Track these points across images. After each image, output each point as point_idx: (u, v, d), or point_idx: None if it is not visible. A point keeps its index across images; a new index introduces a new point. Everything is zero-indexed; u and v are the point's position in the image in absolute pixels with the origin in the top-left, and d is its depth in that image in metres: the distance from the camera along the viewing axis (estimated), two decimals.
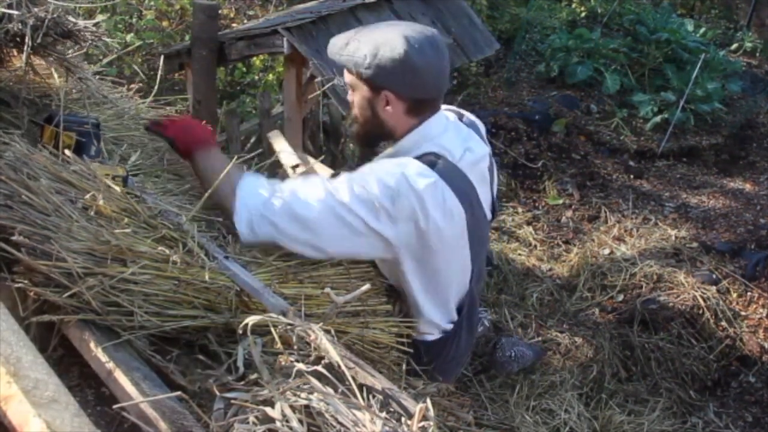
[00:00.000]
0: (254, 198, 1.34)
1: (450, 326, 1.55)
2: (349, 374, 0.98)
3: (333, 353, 0.99)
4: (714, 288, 3.61)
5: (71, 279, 1.04)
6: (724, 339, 3.37)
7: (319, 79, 2.87)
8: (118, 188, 1.24)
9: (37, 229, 1.07)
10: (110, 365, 0.99)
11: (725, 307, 3.50)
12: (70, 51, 1.48)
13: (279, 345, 1.06)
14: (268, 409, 0.89)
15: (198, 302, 1.15)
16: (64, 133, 1.33)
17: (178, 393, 0.95)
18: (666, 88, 6.09)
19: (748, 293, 3.66)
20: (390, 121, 1.42)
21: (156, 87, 1.81)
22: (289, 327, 1.06)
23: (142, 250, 1.13)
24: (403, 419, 0.95)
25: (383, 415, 0.93)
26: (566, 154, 5.24)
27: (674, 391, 3.20)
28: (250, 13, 5.86)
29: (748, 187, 5.18)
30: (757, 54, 7.58)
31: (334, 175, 1.49)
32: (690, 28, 6.99)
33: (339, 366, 0.99)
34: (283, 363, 1.02)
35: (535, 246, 4.25)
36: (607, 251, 4.11)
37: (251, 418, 0.89)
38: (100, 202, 1.15)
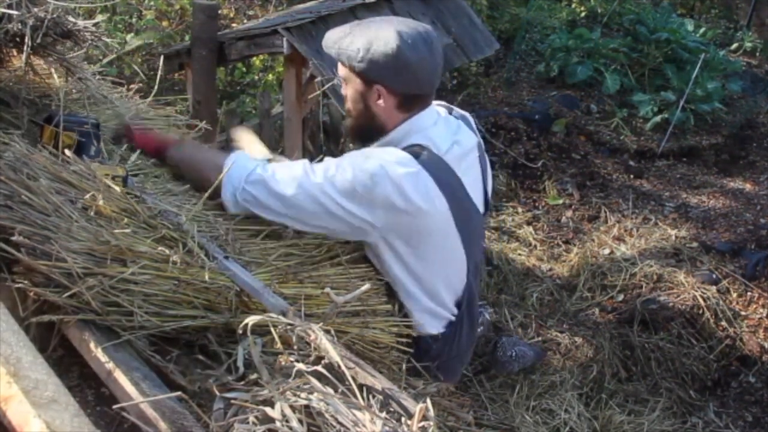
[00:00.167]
0: (239, 171, 1.38)
1: (449, 320, 1.55)
2: (349, 374, 0.98)
3: (333, 353, 0.99)
4: (714, 288, 3.61)
5: (71, 279, 1.04)
6: (724, 339, 3.37)
7: (319, 79, 2.87)
8: (117, 188, 1.24)
9: (37, 230, 1.07)
10: (110, 365, 0.99)
11: (725, 307, 3.50)
12: (70, 51, 1.48)
13: (279, 345, 1.06)
14: (268, 409, 0.89)
15: (198, 302, 1.15)
16: (64, 133, 1.33)
17: (178, 393, 0.95)
18: (666, 88, 6.09)
19: (748, 293, 3.66)
20: (381, 115, 1.44)
21: (156, 87, 1.81)
22: (289, 327, 1.06)
23: (142, 250, 1.13)
24: (403, 419, 0.95)
25: (383, 415, 0.93)
26: (566, 154, 5.24)
27: (674, 391, 3.20)
28: (250, 13, 5.86)
29: (748, 187, 5.18)
30: (757, 54, 7.58)
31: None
32: (690, 28, 6.99)
33: (339, 366, 0.99)
34: (283, 363, 1.02)
35: (535, 246, 4.25)
36: (607, 251, 4.11)
37: (251, 418, 0.89)
38: (100, 203, 1.15)
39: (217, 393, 0.97)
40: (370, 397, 0.99)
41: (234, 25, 5.38)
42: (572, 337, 3.38)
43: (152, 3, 5.21)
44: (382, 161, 1.33)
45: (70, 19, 1.35)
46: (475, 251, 1.54)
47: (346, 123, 1.54)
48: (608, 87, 6.06)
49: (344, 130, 1.57)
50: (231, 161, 1.41)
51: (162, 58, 3.21)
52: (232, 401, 0.95)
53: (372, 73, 1.38)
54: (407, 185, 1.32)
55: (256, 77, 5.31)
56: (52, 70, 1.54)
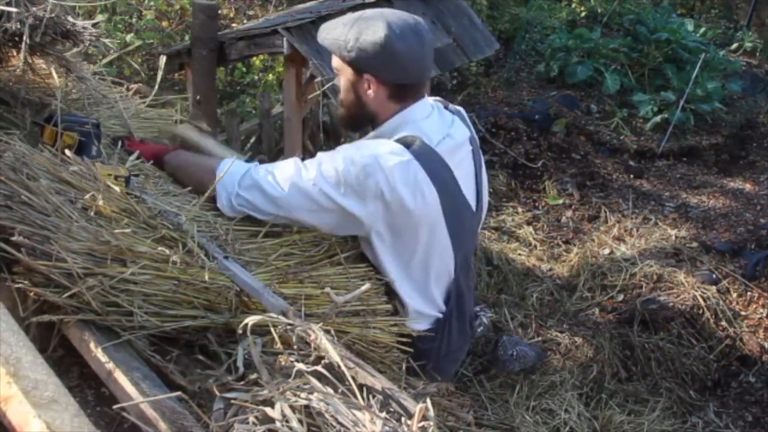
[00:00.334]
0: (232, 176, 1.41)
1: (437, 316, 1.55)
2: (349, 374, 0.98)
3: (333, 353, 0.99)
4: (714, 288, 3.61)
5: (71, 279, 1.04)
6: (724, 339, 3.37)
7: (319, 79, 2.87)
8: (118, 188, 1.24)
9: (36, 230, 1.07)
10: (110, 365, 0.99)
11: (725, 307, 3.49)
12: (69, 51, 1.48)
13: (279, 345, 1.06)
14: (268, 409, 0.89)
15: (198, 302, 1.15)
16: (65, 133, 1.33)
17: (178, 393, 0.95)
18: (666, 88, 6.09)
19: (748, 293, 3.66)
20: (372, 104, 1.45)
21: (156, 87, 1.81)
22: (289, 327, 1.06)
23: (141, 251, 1.13)
24: (403, 419, 0.95)
25: (383, 415, 0.93)
26: (566, 154, 5.24)
27: (674, 391, 3.20)
28: (250, 13, 5.86)
29: (748, 187, 5.18)
30: (757, 54, 7.58)
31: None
32: (690, 27, 6.99)
33: (339, 366, 0.99)
34: (283, 363, 1.02)
35: (535, 246, 4.25)
36: (607, 251, 4.11)
37: (251, 418, 0.89)
38: (100, 203, 1.15)
39: (217, 393, 0.97)
40: (370, 397, 0.98)
41: (234, 25, 5.38)
42: (572, 337, 3.38)
43: (152, 3, 5.21)
44: (374, 152, 1.35)
45: (69, 18, 1.35)
46: (464, 246, 1.54)
47: (338, 113, 1.57)
48: (608, 87, 6.06)
49: (337, 120, 1.60)
50: (224, 167, 1.43)
51: (162, 58, 3.21)
52: (232, 401, 0.95)
53: (361, 62, 1.40)
54: (398, 175, 1.34)
55: (256, 77, 5.31)
56: (52, 70, 1.54)
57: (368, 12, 1.44)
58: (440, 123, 1.48)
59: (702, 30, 7.19)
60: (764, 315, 3.53)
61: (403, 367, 1.37)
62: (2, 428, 0.79)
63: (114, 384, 0.98)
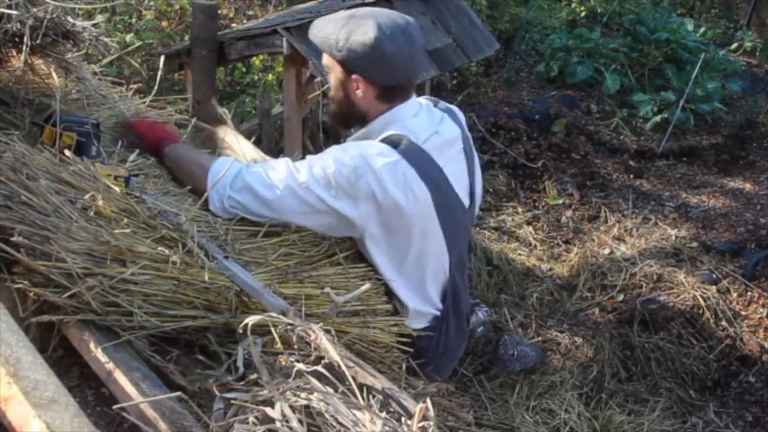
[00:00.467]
0: (224, 179, 1.41)
1: (434, 314, 1.55)
2: (349, 374, 0.98)
3: (333, 353, 0.99)
4: (714, 288, 3.61)
5: (71, 279, 1.04)
6: (724, 339, 3.37)
7: (318, 79, 2.87)
8: (118, 188, 1.24)
9: (36, 230, 1.07)
10: (110, 366, 0.99)
11: (725, 306, 3.49)
12: (69, 52, 1.48)
13: (279, 345, 1.05)
14: (268, 409, 0.89)
15: (198, 302, 1.15)
16: (64, 133, 1.33)
17: (178, 393, 0.95)
18: (666, 88, 6.09)
19: (748, 293, 3.66)
20: (361, 103, 1.46)
21: (156, 87, 1.82)
22: (289, 327, 1.06)
23: (141, 251, 1.13)
24: (403, 419, 0.95)
25: (383, 415, 0.93)
26: (566, 154, 5.24)
27: (674, 391, 3.20)
28: (250, 13, 5.85)
29: (748, 186, 5.18)
30: (757, 53, 7.59)
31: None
32: (690, 27, 6.99)
33: (339, 366, 0.99)
34: (283, 363, 1.02)
35: (535, 246, 4.25)
36: (607, 251, 4.11)
37: (251, 418, 0.89)
38: (100, 203, 1.15)
39: (217, 393, 0.97)
40: (370, 397, 0.98)
41: (234, 25, 5.38)
42: (572, 337, 3.38)
43: (152, 3, 5.21)
44: (363, 154, 1.36)
45: (69, 19, 1.35)
46: (458, 243, 1.54)
47: (329, 109, 1.59)
48: (608, 87, 6.06)
49: (329, 116, 1.63)
50: (217, 169, 1.43)
51: (162, 58, 3.21)
52: (232, 401, 0.94)
53: (350, 62, 1.41)
54: (388, 175, 1.34)
55: (256, 77, 5.31)
56: (52, 71, 1.54)
57: (359, 11, 1.44)
58: (429, 121, 1.49)
59: (702, 30, 7.19)
60: (764, 315, 3.53)
61: (403, 367, 1.37)
62: (2, 428, 0.79)
63: (114, 384, 0.98)
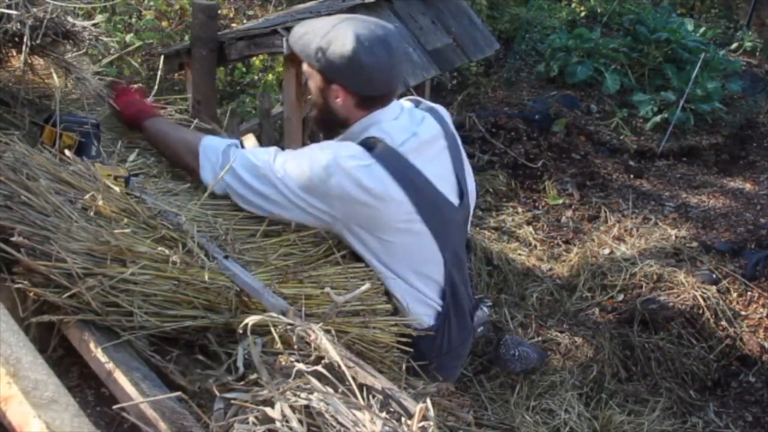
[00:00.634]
0: (215, 152, 1.46)
1: (434, 313, 1.55)
2: (349, 374, 0.98)
3: (333, 353, 0.99)
4: (714, 288, 3.61)
5: (71, 279, 1.04)
6: (724, 339, 3.37)
7: None
8: (118, 188, 1.24)
9: (36, 230, 1.07)
10: (110, 365, 0.99)
11: (725, 306, 3.50)
12: (69, 52, 1.48)
13: (279, 345, 1.05)
14: (268, 409, 0.89)
15: (198, 302, 1.15)
16: (64, 133, 1.33)
17: (178, 393, 0.95)
18: (666, 88, 6.10)
19: (748, 293, 3.66)
20: (341, 111, 1.48)
21: (156, 87, 1.82)
22: (289, 327, 1.06)
23: (141, 251, 1.13)
24: (403, 419, 0.95)
25: (383, 415, 0.93)
26: (566, 154, 5.24)
27: (674, 391, 3.20)
28: (250, 13, 5.86)
29: (748, 186, 5.18)
30: (757, 53, 7.59)
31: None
32: (690, 27, 6.99)
33: (339, 366, 0.99)
34: (283, 363, 1.02)
35: (535, 246, 4.25)
36: (607, 251, 4.11)
37: (251, 419, 0.89)
38: (100, 203, 1.15)
39: (217, 393, 0.97)
40: (370, 397, 0.98)
41: (234, 25, 5.38)
42: (572, 337, 3.38)
43: (152, 3, 5.21)
44: (335, 154, 1.37)
45: (69, 19, 1.35)
46: (452, 242, 1.54)
47: (312, 114, 1.61)
48: (608, 87, 6.07)
49: (311, 120, 1.65)
50: (206, 149, 1.47)
51: (162, 58, 3.21)
52: (232, 401, 0.94)
53: (329, 73, 1.43)
54: (360, 176, 1.35)
55: (256, 77, 5.30)
56: (52, 71, 1.54)
57: (338, 20, 1.45)
58: (409, 123, 1.50)
59: (702, 30, 7.19)
60: (764, 315, 3.53)
61: (403, 367, 1.37)
62: (2, 428, 0.79)
63: (114, 384, 0.98)
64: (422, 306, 1.53)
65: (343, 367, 0.98)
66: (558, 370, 3.18)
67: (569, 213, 4.64)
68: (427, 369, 1.42)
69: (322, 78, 1.46)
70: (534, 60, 6.65)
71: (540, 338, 3.37)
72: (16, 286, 1.04)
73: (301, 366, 0.98)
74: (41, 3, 1.31)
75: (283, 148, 1.49)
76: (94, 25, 1.40)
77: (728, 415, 3.13)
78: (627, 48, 6.46)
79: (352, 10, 3.33)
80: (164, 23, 5.28)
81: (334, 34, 1.40)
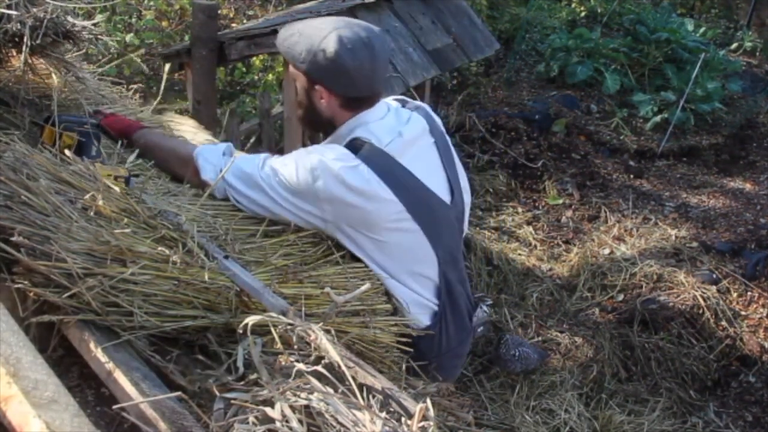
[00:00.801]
0: (216, 157, 1.49)
1: (430, 313, 1.55)
2: (349, 374, 0.98)
3: (333, 353, 0.99)
4: (714, 288, 3.61)
5: (71, 279, 1.04)
6: (724, 339, 3.37)
7: None
8: (118, 188, 1.24)
9: (36, 230, 1.07)
10: (110, 365, 0.99)
11: (725, 306, 3.50)
12: (69, 52, 1.48)
13: (279, 345, 1.05)
14: (268, 409, 0.89)
15: (198, 302, 1.15)
16: (64, 133, 1.33)
17: (178, 393, 0.95)
18: (666, 88, 6.10)
19: (748, 293, 3.66)
20: (326, 112, 1.50)
21: (162, 89, 1.82)
22: (289, 327, 1.06)
23: (141, 251, 1.13)
24: (403, 419, 0.95)
25: (383, 415, 0.93)
26: (566, 154, 5.24)
27: (674, 391, 3.20)
28: (250, 13, 5.86)
29: (748, 186, 5.18)
30: (757, 53, 7.59)
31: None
32: (690, 27, 6.99)
33: (339, 366, 0.99)
34: (283, 363, 1.02)
35: (535, 246, 4.25)
36: (607, 251, 4.11)
37: (251, 419, 0.89)
38: (100, 203, 1.15)
39: (217, 393, 0.97)
40: (370, 397, 0.98)
41: (234, 25, 5.39)
42: (572, 337, 3.38)
43: (152, 3, 5.21)
44: (321, 157, 1.39)
45: (69, 19, 1.35)
46: (445, 240, 1.54)
47: (298, 114, 1.61)
48: (608, 87, 6.07)
49: (298, 120, 1.67)
50: (201, 153, 1.49)
51: (165, 62, 3.21)
52: (232, 401, 0.94)
53: (313, 74, 1.45)
54: (347, 178, 1.37)
55: (256, 77, 5.30)
56: (52, 71, 1.54)
57: (322, 22, 1.46)
58: (395, 122, 1.51)
59: (702, 30, 7.19)
60: (764, 315, 3.53)
61: (403, 367, 1.37)
62: (2, 428, 0.79)
63: (114, 384, 0.98)
64: (418, 306, 1.53)
65: (343, 367, 0.98)
66: (558, 370, 3.18)
67: (569, 213, 4.64)
68: (426, 369, 1.42)
69: (307, 79, 1.47)
70: (534, 60, 6.65)
71: (540, 338, 3.38)
72: (16, 286, 1.04)
73: (301, 366, 0.98)
74: (41, 3, 1.31)
75: (282, 149, 1.49)
76: (94, 25, 1.40)
77: (728, 415, 3.13)
78: (627, 48, 6.46)
79: (352, 10, 3.33)
80: (164, 23, 5.29)
81: (318, 36, 1.42)
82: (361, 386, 0.99)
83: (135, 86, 1.90)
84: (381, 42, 1.46)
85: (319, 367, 0.98)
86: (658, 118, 5.77)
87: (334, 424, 0.89)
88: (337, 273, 1.39)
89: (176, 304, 1.13)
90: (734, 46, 7.62)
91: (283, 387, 0.93)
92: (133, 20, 5.09)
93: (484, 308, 1.78)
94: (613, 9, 7.20)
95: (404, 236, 1.46)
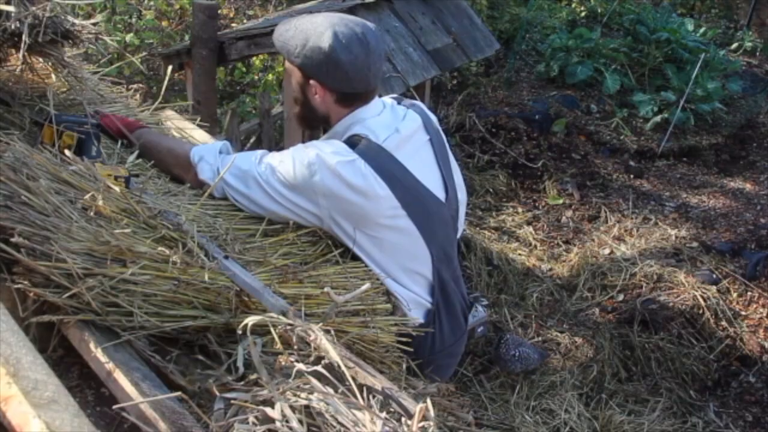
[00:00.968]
0: (213, 157, 1.49)
1: (424, 310, 1.55)
2: (349, 374, 0.98)
3: (333, 353, 0.99)
4: (714, 288, 3.61)
5: (71, 279, 1.04)
6: (724, 339, 3.37)
7: None
8: (118, 188, 1.24)
9: (36, 230, 1.07)
10: (110, 366, 0.99)
11: (725, 306, 3.50)
12: (69, 51, 1.47)
13: (279, 345, 1.05)
14: (267, 410, 0.89)
15: (198, 302, 1.15)
16: (65, 133, 1.33)
17: (178, 393, 0.94)
18: (666, 88, 6.09)
19: (748, 293, 3.66)
20: (321, 108, 1.50)
21: (163, 90, 1.82)
22: (289, 327, 1.06)
23: (141, 251, 1.13)
24: (403, 419, 0.95)
25: (383, 415, 0.92)
26: (566, 154, 5.24)
27: (674, 391, 3.20)
28: (250, 13, 5.86)
29: (748, 186, 5.18)
30: (757, 53, 7.59)
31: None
32: (690, 27, 6.99)
33: (339, 366, 0.99)
34: (283, 363, 1.02)
35: (535, 246, 4.25)
36: (607, 251, 4.11)
37: (251, 419, 0.89)
38: (100, 203, 1.15)
39: (217, 393, 0.97)
40: (370, 397, 0.98)
41: (234, 25, 5.38)
42: (572, 337, 3.38)
43: (152, 3, 5.21)
44: (318, 152, 1.39)
45: (69, 18, 1.35)
46: (439, 237, 1.54)
47: (294, 111, 1.61)
48: (608, 87, 6.07)
49: (293, 117, 1.67)
50: (198, 153, 1.49)
51: (169, 68, 3.21)
52: (232, 401, 0.94)
53: (307, 69, 1.45)
54: (344, 172, 1.37)
55: (256, 77, 5.30)
56: (51, 70, 1.54)
57: (318, 18, 1.46)
58: (391, 119, 1.51)
59: (702, 30, 7.19)
60: (764, 315, 3.53)
61: (404, 367, 1.37)
62: (2, 428, 0.79)
63: (114, 384, 0.98)
64: (412, 303, 1.52)
65: (343, 367, 0.98)
66: (558, 370, 3.18)
67: (569, 213, 4.64)
68: (420, 368, 1.42)
69: (302, 75, 1.47)
70: (534, 60, 6.65)
71: (540, 338, 3.38)
72: (16, 286, 1.04)
73: (301, 366, 0.98)
74: (40, 1, 1.31)
75: (282, 149, 1.49)
76: (94, 24, 1.40)
77: (728, 415, 3.13)
78: (627, 48, 6.46)
79: (352, 10, 3.32)
80: (164, 23, 5.28)
81: (313, 32, 1.42)
82: (361, 386, 0.99)
83: (135, 86, 1.90)
84: (376, 38, 1.46)
85: (319, 367, 0.98)
86: (658, 118, 5.77)
87: (334, 424, 0.89)
88: (336, 273, 1.39)
89: (176, 304, 1.13)
90: (734, 46, 7.62)
91: (283, 387, 0.93)
92: (133, 20, 5.09)
93: (480, 307, 1.78)
94: (613, 9, 7.20)
95: (398, 233, 1.46)
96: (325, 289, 1.23)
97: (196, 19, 3.11)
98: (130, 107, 1.77)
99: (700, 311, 3.45)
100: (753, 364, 3.31)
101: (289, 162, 1.40)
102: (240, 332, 1.07)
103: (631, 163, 5.43)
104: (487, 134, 5.12)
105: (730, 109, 6.25)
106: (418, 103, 1.64)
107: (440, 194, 1.56)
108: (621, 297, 3.64)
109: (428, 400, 0.94)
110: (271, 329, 1.06)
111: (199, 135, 1.88)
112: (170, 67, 2.88)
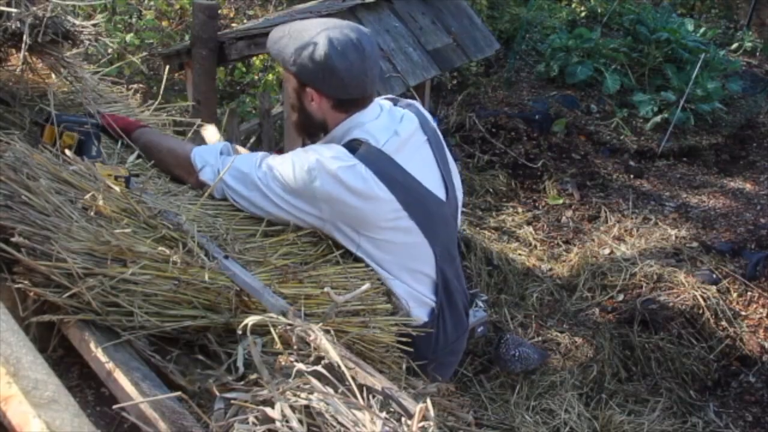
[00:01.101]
0: (214, 158, 1.49)
1: (428, 309, 1.56)
2: (349, 374, 0.98)
3: (333, 353, 0.99)
4: (714, 288, 3.61)
5: (71, 279, 1.04)
6: (724, 339, 3.38)
7: None
8: (118, 189, 1.24)
9: (36, 230, 1.07)
10: (110, 365, 0.99)
11: (725, 306, 3.50)
12: (69, 51, 1.47)
13: (279, 345, 1.05)
14: (268, 409, 0.89)
15: (198, 302, 1.15)
16: (65, 133, 1.33)
17: (178, 393, 0.94)
18: (666, 88, 6.09)
19: (748, 293, 3.66)
20: (317, 114, 1.50)
21: (162, 89, 1.82)
22: (289, 327, 1.06)
23: (142, 251, 1.13)
24: (403, 419, 0.95)
25: (383, 415, 0.92)
26: (566, 154, 5.24)
27: (674, 391, 3.21)
28: (250, 13, 5.85)
29: (748, 186, 5.18)
30: (757, 54, 7.59)
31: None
32: (690, 27, 6.99)
33: (339, 366, 0.99)
34: (283, 363, 1.02)
35: (535, 246, 4.25)
36: (607, 251, 4.11)
37: (251, 418, 0.89)
38: (100, 203, 1.15)
39: (217, 393, 0.97)
40: (370, 397, 0.98)
41: (234, 25, 5.38)
42: (572, 337, 3.38)
43: (152, 3, 5.21)
44: (319, 156, 1.39)
45: (69, 18, 1.35)
46: (441, 237, 1.55)
47: (292, 118, 1.61)
48: (608, 87, 6.07)
49: (291, 124, 1.66)
50: (199, 153, 1.49)
51: (167, 68, 3.21)
52: (232, 401, 0.94)
53: (303, 76, 1.44)
54: (345, 177, 1.37)
55: (256, 77, 5.30)
56: (51, 70, 1.53)
57: (312, 23, 1.46)
58: (389, 122, 1.51)
59: (702, 30, 7.19)
60: (764, 315, 3.53)
61: (404, 367, 1.37)
62: (2, 428, 0.79)
63: (114, 384, 0.98)
64: (416, 302, 1.53)
65: (343, 367, 0.98)
66: (558, 370, 3.18)
67: (569, 213, 4.64)
68: (424, 366, 1.43)
69: (297, 81, 1.47)
70: (534, 60, 6.65)
71: (540, 338, 3.38)
72: (17, 286, 1.04)
73: (301, 366, 0.98)
74: (41, 1, 1.31)
75: (282, 149, 1.49)
76: (94, 24, 1.40)
77: (728, 415, 3.13)
78: (627, 48, 6.46)
79: (352, 10, 3.33)
80: (164, 23, 5.28)
81: (308, 38, 1.42)
82: (361, 386, 0.99)
83: (135, 86, 1.90)
84: (371, 43, 1.46)
85: (319, 367, 0.98)
86: (658, 118, 5.77)
87: (334, 424, 0.89)
88: (337, 273, 1.39)
89: (176, 304, 1.13)
90: (734, 46, 7.62)
91: (283, 387, 0.93)
92: (133, 20, 5.09)
93: (480, 303, 1.78)
94: (613, 9, 7.20)
95: (402, 234, 1.47)
96: (325, 289, 1.23)
97: (196, 19, 3.11)
98: (130, 107, 1.77)
99: (700, 311, 3.45)
100: (753, 364, 3.31)
101: (290, 166, 1.39)
102: (240, 332, 1.07)
103: (631, 163, 5.43)
104: (487, 134, 5.12)
105: (730, 109, 6.25)
106: (414, 102, 1.65)
107: (440, 194, 1.56)
108: (621, 297, 3.64)
109: (428, 400, 0.94)
110: (271, 329, 1.06)
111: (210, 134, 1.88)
112: (167, 67, 2.88)
